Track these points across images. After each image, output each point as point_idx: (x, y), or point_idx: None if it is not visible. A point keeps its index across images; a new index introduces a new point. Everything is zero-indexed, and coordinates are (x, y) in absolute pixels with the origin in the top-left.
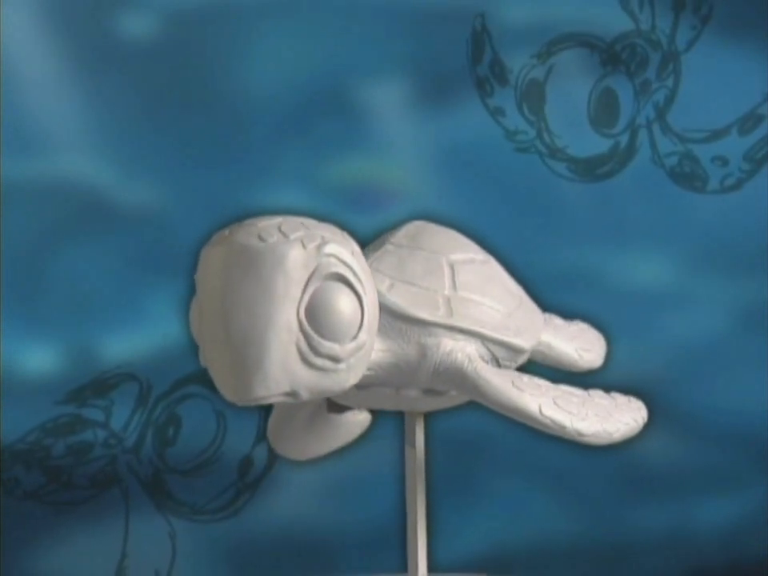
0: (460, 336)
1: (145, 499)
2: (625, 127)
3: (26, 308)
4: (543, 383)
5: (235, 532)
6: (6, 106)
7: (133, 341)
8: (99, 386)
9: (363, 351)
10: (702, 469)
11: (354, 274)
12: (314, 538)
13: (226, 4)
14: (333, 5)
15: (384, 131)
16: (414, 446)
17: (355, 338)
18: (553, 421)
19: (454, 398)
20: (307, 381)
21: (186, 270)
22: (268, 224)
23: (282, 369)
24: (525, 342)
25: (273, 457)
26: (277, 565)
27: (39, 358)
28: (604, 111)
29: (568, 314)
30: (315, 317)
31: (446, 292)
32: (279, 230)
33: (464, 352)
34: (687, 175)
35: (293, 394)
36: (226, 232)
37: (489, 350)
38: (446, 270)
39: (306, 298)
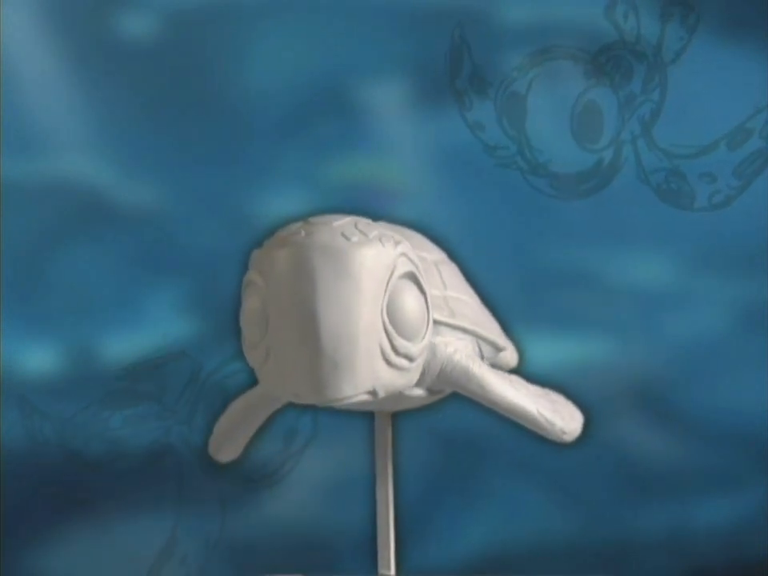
0: (462, 335)
1: (196, 468)
2: (609, 142)
3: (26, 308)
4: (524, 382)
5: (280, 500)
6: (6, 106)
7: (134, 340)
8: (153, 362)
9: (427, 350)
10: (702, 469)
11: (420, 273)
12: (310, 536)
13: (225, 4)
14: (333, 5)
15: (384, 131)
16: (385, 445)
17: (424, 336)
18: (546, 420)
19: (439, 396)
20: (385, 380)
21: (186, 270)
22: (345, 222)
23: (369, 368)
24: (503, 342)
25: (316, 428)
26: (276, 558)
27: (39, 358)
28: (587, 125)
29: (568, 315)
30: (394, 316)
31: (440, 291)
32: (357, 228)
33: (466, 352)
34: (674, 192)
35: (372, 392)
36: (302, 232)
37: (480, 349)
38: (434, 270)
39: (387, 297)
